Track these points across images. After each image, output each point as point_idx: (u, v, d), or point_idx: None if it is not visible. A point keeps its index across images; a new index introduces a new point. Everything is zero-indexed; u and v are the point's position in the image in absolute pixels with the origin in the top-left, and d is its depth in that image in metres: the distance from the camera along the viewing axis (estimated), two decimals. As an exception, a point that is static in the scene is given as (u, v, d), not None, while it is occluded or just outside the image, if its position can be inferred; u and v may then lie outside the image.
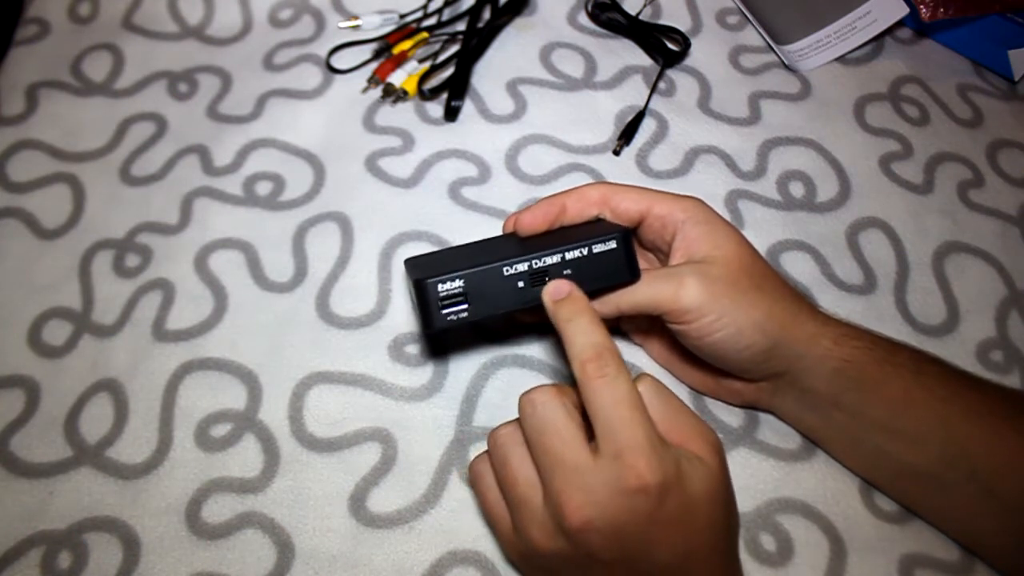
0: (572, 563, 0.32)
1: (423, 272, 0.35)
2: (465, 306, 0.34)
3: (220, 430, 0.43)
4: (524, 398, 0.32)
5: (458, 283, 0.34)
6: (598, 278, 0.34)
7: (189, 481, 0.41)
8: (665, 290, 0.35)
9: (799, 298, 0.38)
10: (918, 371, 0.37)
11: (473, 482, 0.36)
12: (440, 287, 0.34)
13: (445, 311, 0.34)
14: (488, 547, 0.40)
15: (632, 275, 0.36)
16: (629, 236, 0.35)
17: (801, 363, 0.37)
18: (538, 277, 0.34)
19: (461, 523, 0.40)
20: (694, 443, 0.32)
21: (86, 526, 0.40)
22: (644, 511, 0.30)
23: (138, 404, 0.44)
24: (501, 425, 0.34)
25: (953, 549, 0.40)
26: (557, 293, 0.33)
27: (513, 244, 0.37)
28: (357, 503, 0.41)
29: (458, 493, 0.41)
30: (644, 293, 0.36)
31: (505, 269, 0.34)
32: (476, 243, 0.40)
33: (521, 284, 0.34)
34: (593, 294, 0.35)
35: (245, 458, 0.42)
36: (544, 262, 0.34)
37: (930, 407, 0.36)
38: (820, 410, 0.39)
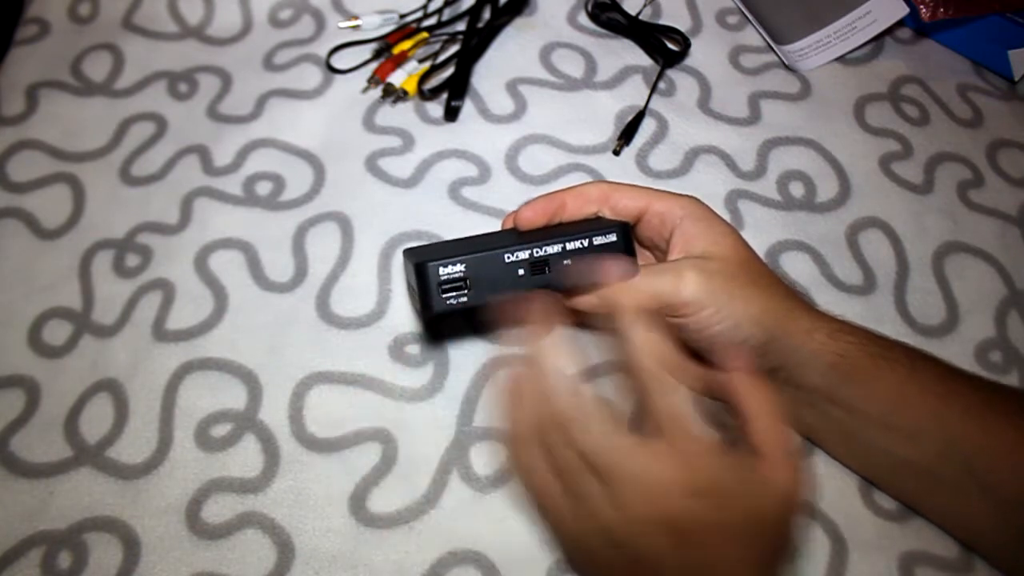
0: (657, 528, 0.31)
1: (424, 258, 0.35)
2: (465, 291, 0.34)
3: (220, 430, 0.43)
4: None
5: (459, 268, 0.34)
6: None
7: (189, 481, 0.41)
8: (665, 283, 0.36)
9: (794, 294, 0.39)
10: (913, 367, 0.37)
11: (523, 435, 0.35)
12: (441, 271, 0.34)
13: (445, 295, 0.34)
14: (488, 547, 0.40)
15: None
16: (628, 229, 0.36)
17: (796, 357, 0.37)
18: (538, 266, 0.35)
19: (461, 523, 0.40)
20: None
21: (86, 526, 0.40)
22: (783, 516, 0.32)
23: (138, 404, 0.44)
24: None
25: (953, 547, 0.40)
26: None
27: (513, 237, 0.37)
28: (357, 503, 0.41)
29: (458, 493, 0.41)
30: (645, 286, 0.36)
31: (506, 256, 0.34)
32: (475, 236, 0.40)
33: (521, 272, 0.35)
34: (593, 287, 0.36)
35: (245, 458, 0.42)
36: (545, 251, 0.35)
37: (925, 403, 0.36)
38: (817, 406, 0.39)
